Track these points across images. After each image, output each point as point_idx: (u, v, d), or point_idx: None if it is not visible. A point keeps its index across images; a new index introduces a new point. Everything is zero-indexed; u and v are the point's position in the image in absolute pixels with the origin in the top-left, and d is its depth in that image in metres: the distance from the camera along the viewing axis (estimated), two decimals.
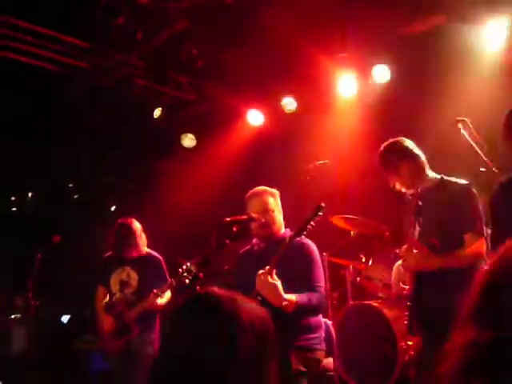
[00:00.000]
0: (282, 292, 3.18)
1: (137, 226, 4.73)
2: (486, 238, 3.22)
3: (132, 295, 4.53)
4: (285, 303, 3.17)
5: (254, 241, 3.70)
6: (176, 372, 1.21)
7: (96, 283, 4.75)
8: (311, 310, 3.35)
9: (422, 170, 3.43)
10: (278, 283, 3.18)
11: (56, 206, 7.21)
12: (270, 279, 3.17)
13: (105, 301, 4.62)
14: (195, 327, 1.24)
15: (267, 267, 3.21)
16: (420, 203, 3.21)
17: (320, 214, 3.29)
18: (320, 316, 3.57)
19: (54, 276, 6.23)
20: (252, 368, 1.23)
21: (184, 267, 4.06)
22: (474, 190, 3.29)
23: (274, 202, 3.61)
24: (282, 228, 3.63)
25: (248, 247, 3.73)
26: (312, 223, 3.28)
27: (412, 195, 3.51)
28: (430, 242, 3.20)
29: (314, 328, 3.44)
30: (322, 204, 3.29)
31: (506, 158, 2.97)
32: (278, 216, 3.62)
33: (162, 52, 6.09)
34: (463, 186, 3.30)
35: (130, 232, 4.66)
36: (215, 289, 1.31)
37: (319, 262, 3.49)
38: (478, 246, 3.17)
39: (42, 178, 7.06)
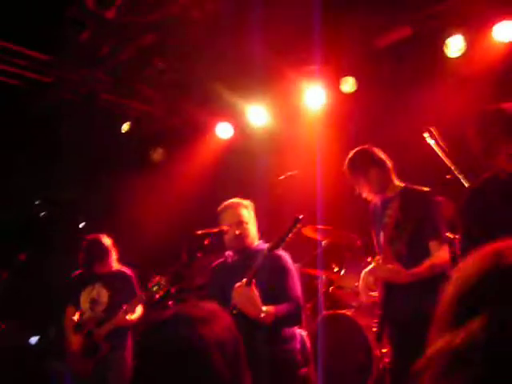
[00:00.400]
0: (260, 304, 3.16)
1: (107, 241, 4.68)
2: (449, 244, 3.27)
3: (102, 313, 4.46)
4: (263, 315, 3.15)
5: (227, 253, 3.67)
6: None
7: (64, 302, 4.65)
8: (290, 321, 3.34)
9: (389, 177, 3.48)
10: (256, 295, 3.16)
11: (23, 224, 7.04)
12: (248, 292, 3.14)
13: (74, 319, 4.52)
14: (166, 347, 1.24)
15: (244, 279, 3.18)
16: (382, 211, 3.27)
17: (298, 226, 3.29)
18: (294, 327, 3.56)
19: (20, 295, 6.08)
20: None
21: (154, 281, 4.01)
22: (435, 197, 3.35)
23: (248, 213, 3.61)
24: (256, 240, 3.62)
25: (221, 260, 3.71)
26: (290, 235, 3.27)
27: (375, 204, 3.56)
28: (397, 251, 3.23)
29: (289, 339, 3.43)
30: (300, 216, 3.29)
31: (471, 161, 3.01)
32: (252, 228, 3.61)
33: (129, 66, 6.05)
34: (424, 193, 3.36)
35: (100, 248, 4.62)
36: (190, 304, 1.30)
37: (295, 272, 3.49)
38: (443, 253, 3.21)
39: (8, 195, 6.89)
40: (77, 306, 4.53)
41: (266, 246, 3.50)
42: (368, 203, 3.67)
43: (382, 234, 3.34)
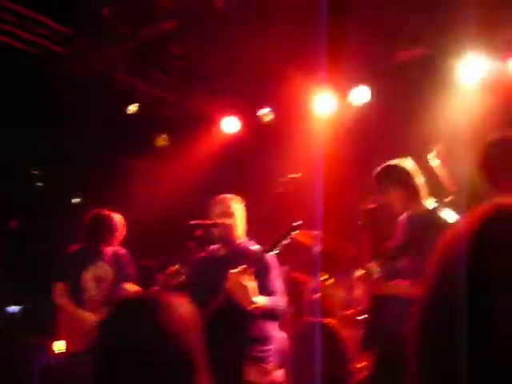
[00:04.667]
0: (251, 296, 3.16)
1: (118, 219, 4.51)
2: None
3: (107, 291, 4.35)
4: (253, 306, 3.16)
5: (212, 247, 3.69)
6: (108, 368, 1.24)
7: (56, 278, 4.44)
8: (275, 315, 3.36)
9: (414, 197, 3.41)
10: (250, 285, 3.15)
11: (19, 192, 7.03)
12: (243, 280, 3.14)
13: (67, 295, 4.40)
14: (125, 326, 1.27)
15: (242, 267, 3.17)
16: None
17: (294, 233, 3.27)
18: (276, 328, 3.56)
19: (11, 264, 6.05)
20: (178, 375, 1.23)
21: (173, 269, 3.93)
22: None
23: (238, 208, 3.62)
24: (243, 236, 3.63)
25: (206, 253, 3.71)
26: (284, 241, 3.25)
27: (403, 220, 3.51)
28: (400, 268, 3.22)
29: (269, 340, 3.44)
30: (300, 222, 3.27)
31: (477, 185, 3.00)
32: (241, 223, 3.62)
33: (146, 49, 6.04)
34: (445, 225, 3.29)
35: (111, 225, 4.45)
36: (154, 290, 1.35)
37: (278, 270, 3.51)
38: None
39: (8, 164, 6.88)
40: (76, 283, 4.34)
41: (252, 243, 3.55)
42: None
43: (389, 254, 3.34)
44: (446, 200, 4.03)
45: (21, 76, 6.00)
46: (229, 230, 3.53)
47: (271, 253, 3.28)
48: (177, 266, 3.92)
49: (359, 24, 5.20)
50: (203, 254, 3.71)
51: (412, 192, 3.42)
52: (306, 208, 5.31)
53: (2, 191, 6.39)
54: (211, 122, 6.67)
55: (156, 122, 6.85)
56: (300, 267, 5.10)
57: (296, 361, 4.58)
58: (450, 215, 3.33)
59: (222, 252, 3.61)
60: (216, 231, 3.55)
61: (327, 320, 4.65)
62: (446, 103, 5.34)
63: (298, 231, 3.28)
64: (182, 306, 1.31)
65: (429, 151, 4.08)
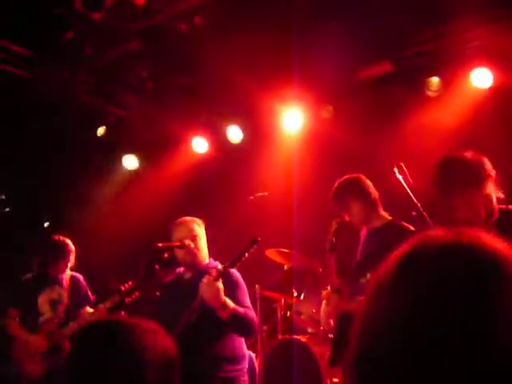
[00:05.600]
0: (223, 297, 3.22)
1: (70, 244, 4.66)
2: None
3: (63, 314, 4.43)
4: (223, 303, 3.21)
5: (178, 270, 3.71)
6: None
7: (7, 305, 4.53)
8: (245, 323, 3.36)
9: (373, 209, 3.52)
10: (221, 288, 3.21)
11: None
12: (213, 284, 3.20)
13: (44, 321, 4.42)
14: (93, 353, 1.24)
15: (213, 274, 3.24)
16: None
17: (254, 246, 3.32)
18: (245, 347, 3.57)
19: None
20: None
21: (127, 285, 3.93)
22: None
23: (200, 230, 3.66)
24: (207, 257, 3.67)
25: (172, 277, 3.74)
26: (246, 255, 3.31)
27: (363, 235, 3.57)
28: (364, 284, 3.25)
29: (239, 359, 3.44)
30: (258, 238, 3.33)
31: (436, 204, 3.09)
32: (204, 245, 3.66)
33: (110, 70, 6.03)
34: (411, 233, 3.37)
35: (65, 251, 4.59)
36: (121, 316, 1.32)
37: (245, 287, 3.56)
38: None
39: None
40: (30, 309, 4.43)
41: (216, 263, 3.59)
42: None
43: (353, 270, 3.38)
44: (412, 214, 4.11)
45: None
46: (193, 252, 3.55)
47: (233, 267, 3.32)
48: (130, 283, 3.88)
49: (325, 40, 5.27)
50: (170, 278, 3.72)
51: (371, 205, 3.50)
52: (274, 225, 5.35)
53: None
54: (180, 142, 6.66)
55: (124, 143, 6.81)
56: (271, 285, 5.11)
57: (270, 378, 4.58)
58: (408, 228, 3.42)
59: (188, 275, 3.63)
60: (180, 254, 3.57)
61: (299, 337, 4.67)
62: (410, 119, 5.44)
63: (257, 245, 3.32)
64: (155, 332, 1.30)
65: (393, 166, 4.15)
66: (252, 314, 3.44)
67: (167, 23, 5.47)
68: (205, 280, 3.25)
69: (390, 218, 3.55)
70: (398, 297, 0.75)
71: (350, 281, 3.34)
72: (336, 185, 3.61)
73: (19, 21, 5.19)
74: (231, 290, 3.41)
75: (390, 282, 0.77)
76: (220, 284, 3.22)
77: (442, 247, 0.76)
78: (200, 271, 3.54)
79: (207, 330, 3.34)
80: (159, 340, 1.27)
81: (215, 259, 3.75)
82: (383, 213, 3.57)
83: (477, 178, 2.80)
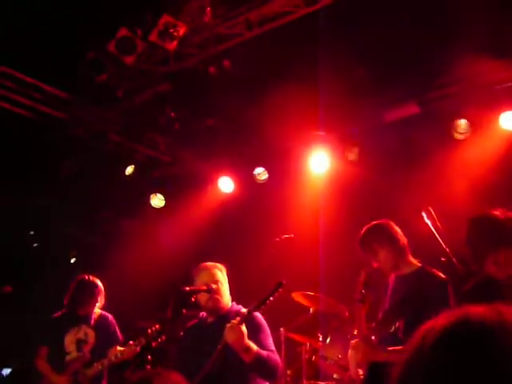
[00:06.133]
0: (246, 340, 3.23)
1: (101, 286, 4.68)
2: None
3: (89, 353, 4.45)
4: (246, 347, 3.22)
5: (201, 314, 3.72)
6: None
7: (37, 343, 4.59)
8: (269, 366, 3.35)
9: (402, 255, 3.44)
10: (244, 332, 3.23)
11: (14, 254, 7.01)
12: (237, 328, 3.21)
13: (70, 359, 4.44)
14: None
15: (237, 318, 3.25)
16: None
17: (280, 290, 3.31)
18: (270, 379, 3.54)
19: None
20: None
21: (154, 329, 3.92)
22: (451, 288, 3.30)
23: (222, 276, 3.66)
24: (229, 302, 3.67)
25: (195, 321, 3.75)
26: (271, 299, 3.30)
27: (391, 280, 3.51)
28: (393, 332, 3.20)
29: None
30: (283, 281, 3.32)
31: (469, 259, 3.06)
32: (226, 290, 3.67)
33: (140, 111, 6.17)
34: (442, 281, 3.30)
35: (94, 290, 4.61)
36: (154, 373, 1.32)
37: (268, 330, 3.55)
38: None
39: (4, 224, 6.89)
40: (58, 347, 4.46)
41: (239, 307, 3.61)
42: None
43: (383, 317, 3.33)
44: (441, 260, 4.04)
45: (19, 140, 6.11)
46: (216, 298, 3.55)
47: (258, 310, 3.31)
48: (157, 326, 3.87)
49: (351, 82, 5.32)
50: (193, 322, 3.72)
51: (399, 251, 3.44)
52: (300, 267, 5.30)
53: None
54: (206, 182, 6.73)
55: (152, 182, 6.90)
56: (297, 328, 5.03)
57: None
58: (437, 275, 3.35)
59: (210, 319, 3.64)
60: (203, 299, 3.57)
61: (325, 383, 4.57)
62: (438, 162, 5.40)
63: (282, 288, 3.30)
64: None
65: (421, 211, 4.11)
66: (276, 357, 3.42)
67: (197, 66, 5.61)
68: (229, 324, 3.25)
69: (420, 264, 3.48)
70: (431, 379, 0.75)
71: (378, 329, 3.28)
72: (363, 231, 3.55)
73: (54, 62, 5.37)
74: (254, 333, 3.40)
75: (423, 362, 0.76)
76: (244, 328, 3.22)
77: (483, 331, 0.75)
78: (222, 316, 3.55)
79: (230, 376, 3.32)
80: None
81: (240, 301, 3.73)
82: (412, 259, 3.50)
83: (508, 237, 2.76)
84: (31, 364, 4.56)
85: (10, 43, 5.13)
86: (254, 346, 3.28)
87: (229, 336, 3.23)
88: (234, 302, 3.71)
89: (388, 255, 3.42)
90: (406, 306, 3.22)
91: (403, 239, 3.51)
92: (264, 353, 3.33)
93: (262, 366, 3.32)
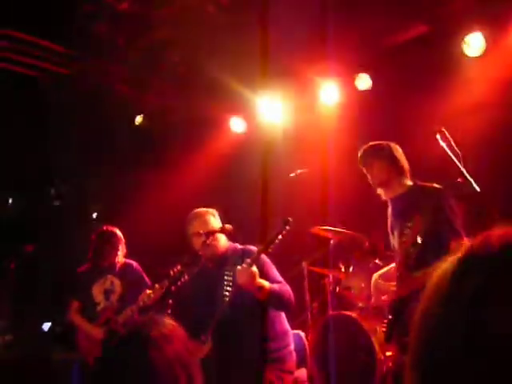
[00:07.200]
0: (258, 280, 3.25)
1: (120, 235, 4.76)
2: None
3: (117, 302, 4.58)
4: (260, 286, 3.25)
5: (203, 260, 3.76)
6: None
7: (69, 297, 4.75)
8: (284, 298, 3.40)
9: (397, 175, 3.43)
10: (255, 272, 3.25)
11: (35, 212, 7.13)
12: (248, 270, 3.23)
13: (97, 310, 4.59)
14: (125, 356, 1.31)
15: (248, 261, 3.27)
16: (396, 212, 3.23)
17: (287, 228, 3.29)
18: (286, 324, 3.58)
19: (28, 285, 6.17)
20: None
21: (175, 270, 3.99)
22: (449, 194, 3.31)
23: (215, 220, 3.67)
24: (225, 244, 3.68)
25: (199, 268, 3.80)
26: (279, 237, 3.31)
27: (389, 205, 3.51)
28: (412, 246, 3.18)
29: (284, 338, 3.47)
30: (290, 219, 3.31)
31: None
32: (220, 234, 3.65)
33: (143, 59, 6.05)
34: (437, 189, 3.32)
35: (114, 240, 4.69)
36: (150, 322, 1.36)
37: (270, 262, 3.57)
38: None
39: (24, 182, 6.99)
40: (87, 300, 4.62)
41: (235, 245, 3.65)
42: (380, 203, 3.63)
43: (397, 239, 3.32)
44: (458, 180, 3.98)
45: (29, 98, 6.11)
46: (213, 244, 3.59)
47: (267, 250, 3.32)
48: (178, 268, 3.92)
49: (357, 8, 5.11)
50: (197, 271, 3.81)
51: (396, 170, 3.42)
52: (316, 202, 5.28)
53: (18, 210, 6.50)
54: (218, 124, 6.67)
55: (164, 129, 6.86)
56: (318, 261, 5.07)
57: (321, 354, 4.57)
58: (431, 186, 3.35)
59: (211, 265, 3.69)
60: (197, 244, 3.60)
61: (349, 313, 4.63)
62: (451, 82, 5.22)
63: (289, 226, 3.29)
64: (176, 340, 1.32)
65: (434, 133, 4.02)
66: (286, 287, 3.46)
67: (194, 6, 5.44)
68: (239, 267, 3.28)
69: (411, 182, 3.46)
70: (455, 304, 0.72)
71: (400, 246, 3.26)
72: (366, 146, 3.57)
73: (49, 18, 5.27)
74: (261, 270, 3.42)
75: (446, 285, 0.73)
76: (255, 268, 3.25)
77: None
78: (220, 260, 3.60)
79: (247, 319, 3.38)
80: (175, 347, 1.32)
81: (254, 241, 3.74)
82: (407, 181, 3.47)
83: None
84: (66, 318, 4.76)
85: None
86: (266, 283, 3.31)
87: (241, 279, 3.25)
88: (230, 242, 3.72)
89: (383, 168, 3.41)
90: (406, 216, 3.19)
91: (405, 163, 3.48)
92: (276, 287, 3.36)
93: (277, 299, 3.36)
